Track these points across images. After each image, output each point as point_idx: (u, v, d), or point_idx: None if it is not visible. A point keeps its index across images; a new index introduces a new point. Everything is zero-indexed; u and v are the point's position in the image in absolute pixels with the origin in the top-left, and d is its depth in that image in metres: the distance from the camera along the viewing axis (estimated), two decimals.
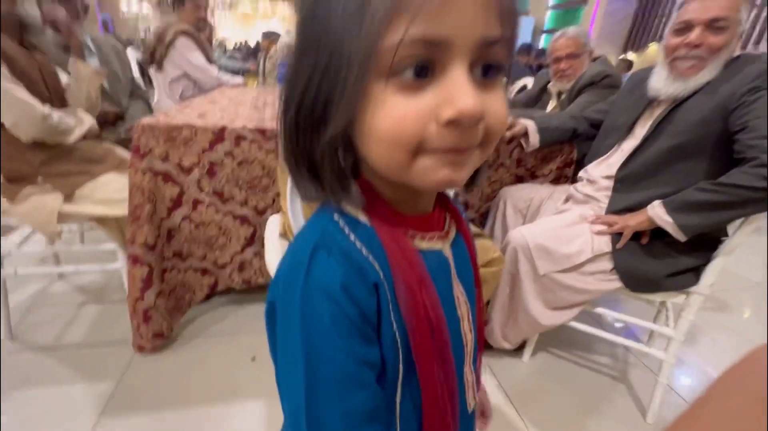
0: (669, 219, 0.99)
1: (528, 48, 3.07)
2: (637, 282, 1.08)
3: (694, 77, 0.99)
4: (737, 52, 1.00)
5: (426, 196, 0.34)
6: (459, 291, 0.37)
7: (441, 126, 0.25)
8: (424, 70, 0.25)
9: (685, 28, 0.99)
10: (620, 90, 1.30)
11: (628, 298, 1.24)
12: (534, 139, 1.33)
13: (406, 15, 0.23)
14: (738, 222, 1.00)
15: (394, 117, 0.25)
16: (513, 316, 1.18)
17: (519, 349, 1.32)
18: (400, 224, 0.32)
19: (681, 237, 0.99)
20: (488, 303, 1.22)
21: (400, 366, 0.31)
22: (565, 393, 1.22)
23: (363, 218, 0.31)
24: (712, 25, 0.95)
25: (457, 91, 0.25)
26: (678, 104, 1.04)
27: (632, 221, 1.05)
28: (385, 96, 0.25)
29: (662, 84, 1.05)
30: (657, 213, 1.01)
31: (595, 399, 1.21)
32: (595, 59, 1.63)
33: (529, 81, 2.33)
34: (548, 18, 7.59)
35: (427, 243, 0.34)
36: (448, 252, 0.36)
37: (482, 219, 1.48)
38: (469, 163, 0.28)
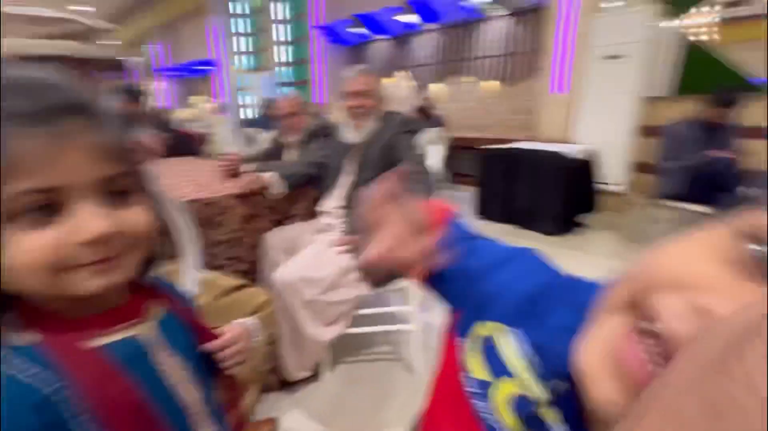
0: None
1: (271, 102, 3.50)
2: (377, 281, 1.40)
3: (364, 128, 1.41)
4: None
5: (101, 296, 0.34)
6: (170, 364, 0.39)
7: (78, 248, 0.30)
8: (49, 208, 0.29)
9: (352, 95, 1.39)
10: (328, 138, 1.67)
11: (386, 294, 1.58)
12: (280, 186, 1.53)
13: (16, 172, 0.27)
14: None
15: (25, 250, 0.29)
16: (300, 345, 1.31)
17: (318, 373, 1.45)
18: (74, 330, 0.33)
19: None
20: (274, 343, 1.31)
21: None
22: (365, 393, 1.41)
23: (31, 339, 0.32)
24: (366, 93, 1.38)
25: (83, 221, 0.30)
26: (366, 146, 1.44)
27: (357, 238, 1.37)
28: (14, 235, 0.28)
29: (351, 134, 1.44)
30: None
31: (386, 386, 1.45)
32: (313, 114, 2.02)
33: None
34: (286, 72, 8.50)
35: (114, 335, 0.35)
36: (149, 333, 0.38)
37: (254, 269, 1.56)
38: (122, 265, 0.33)
